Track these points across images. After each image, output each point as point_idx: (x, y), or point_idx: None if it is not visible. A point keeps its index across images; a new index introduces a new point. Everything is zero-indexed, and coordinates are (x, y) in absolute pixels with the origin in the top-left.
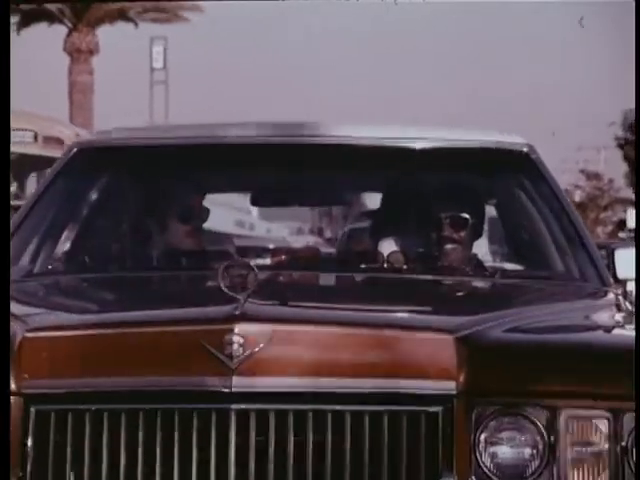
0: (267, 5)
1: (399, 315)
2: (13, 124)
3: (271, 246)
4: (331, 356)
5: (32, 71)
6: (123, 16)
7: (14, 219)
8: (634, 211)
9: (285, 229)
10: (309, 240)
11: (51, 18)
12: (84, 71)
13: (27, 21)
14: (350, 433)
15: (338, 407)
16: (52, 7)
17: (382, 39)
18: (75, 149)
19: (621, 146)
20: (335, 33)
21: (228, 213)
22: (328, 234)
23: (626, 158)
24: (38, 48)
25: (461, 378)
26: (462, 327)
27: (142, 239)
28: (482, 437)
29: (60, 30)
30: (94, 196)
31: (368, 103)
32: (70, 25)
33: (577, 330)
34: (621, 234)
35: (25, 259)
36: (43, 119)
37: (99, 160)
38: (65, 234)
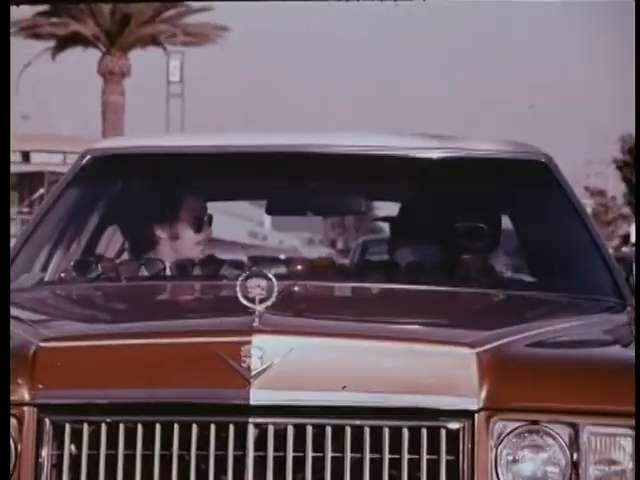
0: (275, 14)
1: (419, 328)
2: (67, 148)
3: (282, 256)
4: (350, 369)
5: (68, 92)
6: (154, 41)
7: (27, 227)
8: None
9: (297, 239)
10: (322, 251)
11: (86, 43)
12: (116, 92)
13: (63, 45)
14: (369, 448)
15: (357, 422)
16: (87, 32)
17: (385, 40)
18: (87, 157)
19: (620, 168)
20: (338, 35)
21: (242, 224)
22: (340, 245)
23: (624, 179)
24: (73, 71)
25: (482, 394)
26: (483, 341)
27: (153, 247)
28: (504, 454)
29: (94, 54)
30: (106, 204)
31: (369, 104)
32: (104, 49)
33: (599, 345)
34: (625, 249)
35: (37, 267)
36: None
37: (111, 168)
38: (77, 242)
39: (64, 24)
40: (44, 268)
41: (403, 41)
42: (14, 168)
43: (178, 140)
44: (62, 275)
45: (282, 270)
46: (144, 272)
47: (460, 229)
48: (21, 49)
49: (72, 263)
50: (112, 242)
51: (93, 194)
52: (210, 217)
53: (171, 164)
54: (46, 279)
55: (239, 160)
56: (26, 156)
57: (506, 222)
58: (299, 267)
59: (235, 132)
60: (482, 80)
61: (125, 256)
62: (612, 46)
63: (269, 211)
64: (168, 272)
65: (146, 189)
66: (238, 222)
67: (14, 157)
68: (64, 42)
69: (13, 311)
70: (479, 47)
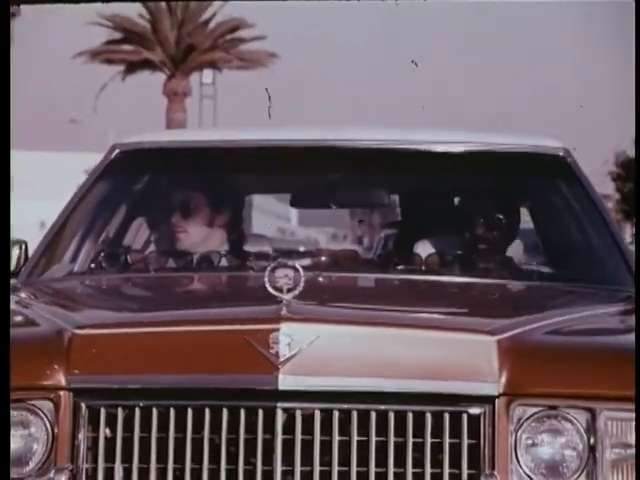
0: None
1: (441, 317)
2: None
3: (301, 248)
4: (375, 356)
5: (135, 111)
6: (213, 65)
7: (57, 219)
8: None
9: (323, 235)
10: (346, 246)
11: (153, 67)
12: (179, 110)
13: (132, 69)
14: (394, 432)
15: (382, 407)
16: (155, 59)
17: (385, 40)
18: (115, 151)
19: (614, 180)
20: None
21: (271, 220)
22: (366, 242)
23: (618, 190)
24: (141, 92)
25: (502, 380)
26: (503, 329)
27: (178, 239)
28: (523, 438)
29: (160, 77)
30: (133, 197)
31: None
32: (168, 73)
33: (615, 333)
34: (630, 247)
35: (67, 258)
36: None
37: (139, 162)
38: (105, 234)
39: (137, 52)
40: (74, 259)
41: (404, 41)
42: None
43: (203, 135)
44: (92, 266)
45: (307, 261)
46: (171, 263)
47: (478, 220)
48: (95, 72)
49: (102, 254)
50: (139, 234)
51: (121, 187)
52: (238, 207)
53: (196, 158)
54: (76, 269)
55: (264, 154)
56: None
57: (526, 215)
58: (323, 258)
59: (259, 127)
60: (482, 80)
61: (151, 247)
62: (612, 46)
63: (293, 204)
64: (195, 263)
65: (173, 182)
66: (268, 219)
67: None
68: (134, 66)
69: (46, 299)
70: (479, 48)
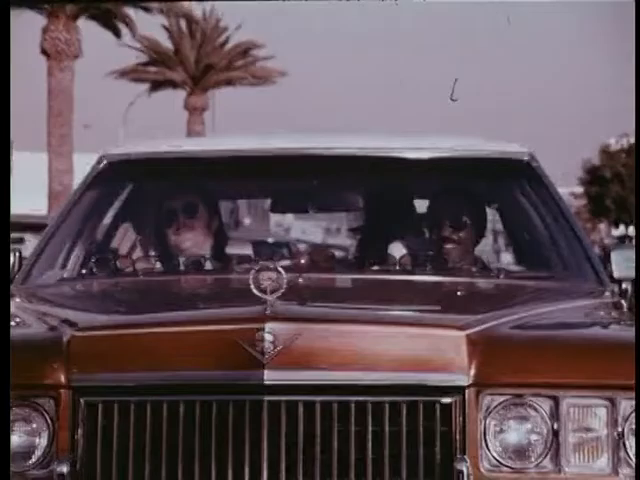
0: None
1: (415, 314)
2: None
3: (270, 239)
4: (353, 351)
5: (159, 125)
6: (229, 83)
7: (49, 227)
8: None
9: (318, 228)
10: (338, 240)
11: (175, 85)
12: (198, 122)
13: (156, 87)
14: (372, 422)
15: (361, 398)
16: (177, 77)
17: (383, 39)
18: (103, 162)
19: (583, 184)
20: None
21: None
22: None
23: (586, 193)
24: (163, 107)
25: (472, 371)
26: (472, 325)
27: (163, 244)
28: (492, 424)
29: (181, 93)
30: (120, 205)
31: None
32: (188, 89)
33: (577, 327)
34: (606, 240)
35: (58, 264)
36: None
37: (126, 171)
38: (93, 241)
39: (161, 72)
40: (65, 265)
41: (402, 40)
42: None
43: (187, 145)
44: (83, 271)
45: (287, 262)
46: (159, 267)
47: (447, 222)
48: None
49: (92, 260)
50: (125, 239)
51: (108, 196)
52: (219, 217)
53: (181, 167)
54: (67, 275)
55: (244, 162)
56: None
57: (495, 218)
58: (303, 260)
59: (241, 136)
60: (482, 79)
61: (138, 252)
62: (612, 46)
63: (273, 209)
64: (182, 267)
65: (157, 190)
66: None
67: None
68: (157, 84)
69: (43, 304)
70: (479, 47)
